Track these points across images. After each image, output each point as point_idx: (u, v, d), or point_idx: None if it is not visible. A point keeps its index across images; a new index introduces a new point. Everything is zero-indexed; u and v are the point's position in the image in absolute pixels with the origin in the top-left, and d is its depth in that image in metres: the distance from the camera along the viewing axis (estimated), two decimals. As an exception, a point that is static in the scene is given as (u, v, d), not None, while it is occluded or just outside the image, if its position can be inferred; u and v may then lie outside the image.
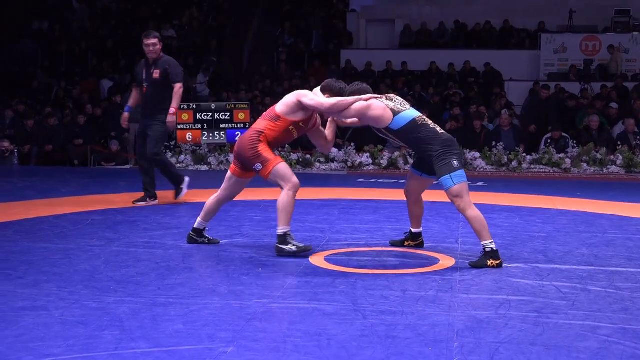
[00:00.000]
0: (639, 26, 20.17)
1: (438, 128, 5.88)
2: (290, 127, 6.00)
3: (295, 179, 5.93)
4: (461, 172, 5.73)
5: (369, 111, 5.78)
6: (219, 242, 6.41)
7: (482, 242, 5.64)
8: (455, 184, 5.66)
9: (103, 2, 22.98)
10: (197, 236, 6.37)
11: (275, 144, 6.09)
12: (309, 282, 5.12)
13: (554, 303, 4.67)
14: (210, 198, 6.34)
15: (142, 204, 8.57)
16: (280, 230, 5.89)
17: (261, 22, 22.83)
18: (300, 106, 5.90)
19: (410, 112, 5.83)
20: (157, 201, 8.66)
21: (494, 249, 5.63)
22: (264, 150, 5.92)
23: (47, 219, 7.59)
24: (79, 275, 5.23)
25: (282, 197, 5.88)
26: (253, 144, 5.92)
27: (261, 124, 6.02)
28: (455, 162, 5.70)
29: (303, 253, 5.87)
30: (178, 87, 8.53)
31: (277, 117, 5.96)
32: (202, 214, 6.36)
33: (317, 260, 5.81)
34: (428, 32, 21.29)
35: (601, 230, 7.25)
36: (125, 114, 8.82)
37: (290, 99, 5.97)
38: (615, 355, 3.75)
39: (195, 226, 6.38)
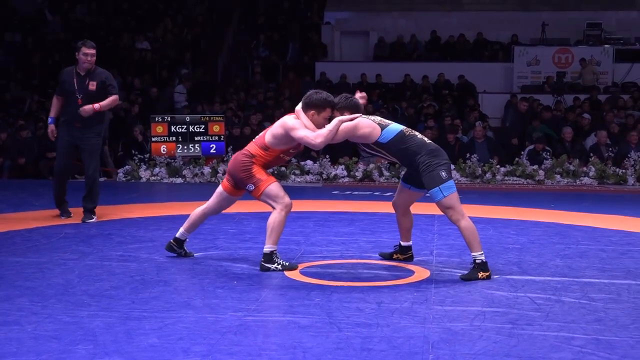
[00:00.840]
0: (610, 39, 20.39)
1: (425, 139, 5.89)
2: (281, 155, 5.98)
3: (287, 199, 5.88)
4: (450, 182, 5.69)
5: (357, 131, 5.74)
6: (193, 256, 6.38)
7: (473, 254, 5.63)
8: (445, 196, 5.63)
9: (76, 14, 22.89)
10: (177, 246, 6.34)
11: (267, 167, 6.03)
12: (284, 295, 5.11)
13: (528, 314, 4.69)
14: (197, 210, 6.31)
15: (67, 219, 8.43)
16: (267, 248, 5.84)
17: (235, 34, 22.85)
18: (288, 137, 5.82)
19: (396, 125, 5.84)
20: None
21: (484, 260, 5.63)
22: (257, 171, 5.88)
23: (20, 232, 7.53)
24: (52, 289, 5.19)
25: (274, 216, 5.83)
26: (245, 165, 5.89)
27: (253, 147, 5.96)
28: (443, 173, 5.67)
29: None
30: (115, 99, 8.40)
31: (267, 147, 5.90)
32: (185, 224, 6.32)
33: (292, 272, 5.80)
34: (402, 45, 21.40)
35: (575, 242, 7.29)
36: (52, 126, 8.50)
37: (278, 130, 5.88)
38: (589, 366, 3.77)
39: (177, 235, 6.34)
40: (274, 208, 5.86)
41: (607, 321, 4.57)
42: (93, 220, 8.28)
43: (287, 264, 5.89)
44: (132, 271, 5.79)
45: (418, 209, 9.41)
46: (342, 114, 5.84)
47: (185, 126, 13.75)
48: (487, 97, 18.91)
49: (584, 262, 6.32)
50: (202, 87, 19.19)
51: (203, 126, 13.78)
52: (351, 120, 5.78)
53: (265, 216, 8.69)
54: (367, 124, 5.76)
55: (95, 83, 8.30)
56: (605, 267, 6.14)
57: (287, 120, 5.91)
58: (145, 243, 7.00)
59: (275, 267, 5.82)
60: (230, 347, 3.97)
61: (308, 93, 6.04)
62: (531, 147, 14.05)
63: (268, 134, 5.94)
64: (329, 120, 5.85)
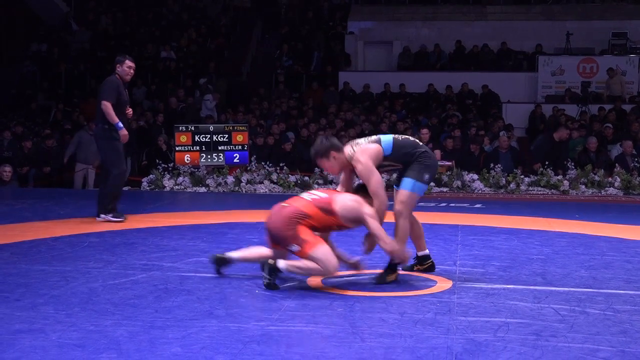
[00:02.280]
0: (636, 48, 20.26)
1: (417, 140, 6.03)
2: (336, 227, 5.77)
3: (332, 265, 5.51)
4: (425, 187, 5.85)
5: (373, 159, 5.76)
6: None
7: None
8: (411, 191, 5.76)
9: (102, 24, 23.08)
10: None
11: (315, 231, 5.67)
12: (306, 305, 5.11)
13: (553, 326, 4.66)
14: (262, 250, 5.99)
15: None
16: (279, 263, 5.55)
17: (259, 44, 22.95)
18: (360, 220, 5.70)
19: (387, 135, 5.94)
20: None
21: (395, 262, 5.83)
22: (304, 231, 5.54)
23: (45, 241, 7.57)
24: (76, 298, 5.21)
25: (314, 267, 5.50)
26: (293, 224, 5.55)
27: (309, 207, 5.61)
28: (426, 175, 5.82)
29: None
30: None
31: (332, 213, 5.63)
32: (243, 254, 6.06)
33: (315, 282, 5.79)
34: (426, 54, 21.38)
35: (599, 253, 7.24)
36: (125, 130, 8.86)
37: (355, 210, 5.66)
38: (614, 379, 3.74)
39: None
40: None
41: (633, 333, 4.53)
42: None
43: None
44: (156, 280, 5.81)
45: (441, 219, 9.40)
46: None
47: (209, 135, 13.79)
48: (511, 106, 18.84)
49: (609, 273, 6.27)
50: (231, 94, 19.35)
51: (227, 135, 13.82)
52: (360, 161, 5.73)
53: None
54: (371, 148, 5.79)
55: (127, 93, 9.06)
56: (631, 278, 6.09)
57: (366, 206, 5.72)
58: (168, 252, 7.02)
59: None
60: (253, 357, 3.97)
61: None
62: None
63: (341, 204, 5.65)
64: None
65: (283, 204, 5.73)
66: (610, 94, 19.07)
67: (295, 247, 5.53)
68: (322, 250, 5.51)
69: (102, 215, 8.78)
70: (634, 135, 15.10)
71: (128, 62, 8.92)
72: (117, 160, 8.88)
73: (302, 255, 5.51)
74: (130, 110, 9.05)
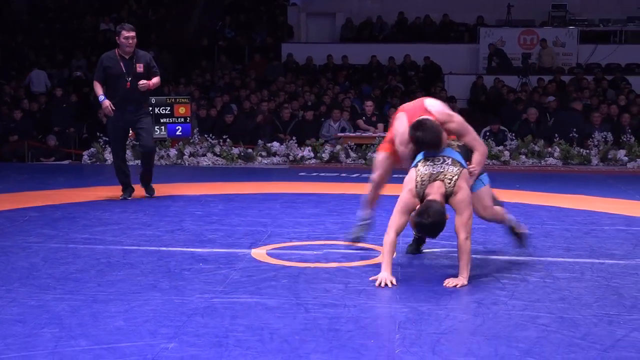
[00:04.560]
0: (575, 20, 20.53)
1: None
2: None
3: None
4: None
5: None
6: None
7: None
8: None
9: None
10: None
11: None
12: (251, 277, 5.10)
13: (494, 293, 4.73)
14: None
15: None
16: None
17: (201, 15, 22.69)
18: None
19: None
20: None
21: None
22: None
23: (-17, 216, 7.44)
24: (16, 273, 5.14)
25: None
26: None
27: None
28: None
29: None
30: (158, 80, 8.60)
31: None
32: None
33: (260, 254, 5.79)
34: (369, 26, 21.39)
35: (539, 222, 7.35)
36: (107, 101, 8.28)
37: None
38: (554, 344, 3.81)
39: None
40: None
41: (571, 300, 4.62)
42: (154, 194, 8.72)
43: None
44: (98, 254, 5.75)
45: (385, 189, 9.43)
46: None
47: (150, 108, 13.65)
48: (453, 78, 18.97)
49: (548, 241, 6.38)
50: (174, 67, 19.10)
51: (169, 108, 13.68)
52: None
53: (231, 198, 8.68)
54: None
55: (142, 65, 8.44)
56: (570, 246, 6.21)
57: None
58: (110, 226, 6.95)
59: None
60: (197, 329, 3.96)
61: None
62: (487, 128, 14.14)
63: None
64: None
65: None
66: (541, 66, 19.32)
67: None
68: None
69: None
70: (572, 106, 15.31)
71: (124, 33, 8.33)
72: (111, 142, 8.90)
73: None
74: (143, 82, 8.30)
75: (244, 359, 3.56)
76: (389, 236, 5.03)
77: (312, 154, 13.20)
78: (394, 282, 4.89)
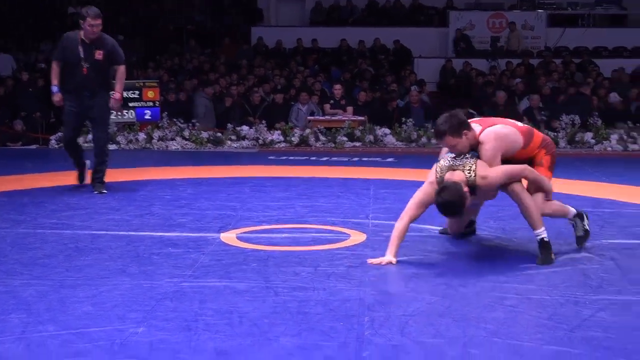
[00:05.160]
0: (543, 4, 20.63)
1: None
2: None
3: None
4: None
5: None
6: None
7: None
8: None
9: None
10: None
11: None
12: (220, 261, 5.10)
13: (462, 275, 4.76)
14: None
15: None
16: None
17: (171, -1, 22.51)
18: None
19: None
20: None
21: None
22: None
23: (-51, 201, 7.36)
24: (-17, 259, 5.10)
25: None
26: None
27: None
28: None
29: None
30: (123, 70, 8.08)
31: None
32: None
33: (229, 238, 5.79)
34: (338, 9, 21.34)
35: (508, 204, 7.36)
36: (59, 94, 7.96)
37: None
38: (521, 325, 3.86)
39: None
40: None
41: (538, 281, 4.67)
42: (105, 192, 7.95)
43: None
44: (66, 239, 5.71)
45: (354, 173, 9.46)
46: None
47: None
48: (423, 61, 19.00)
49: (517, 223, 6.39)
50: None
51: (137, 92, 13.59)
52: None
53: (200, 182, 8.65)
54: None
55: (102, 52, 7.94)
56: (537, 228, 6.25)
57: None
58: (78, 210, 6.90)
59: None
60: (166, 314, 3.96)
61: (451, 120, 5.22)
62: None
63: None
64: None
65: None
66: (509, 49, 19.41)
67: None
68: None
69: None
70: (541, 89, 15.41)
71: (89, 21, 7.79)
72: (64, 126, 8.39)
73: None
74: (85, 70, 7.85)
75: (213, 343, 3.56)
76: (401, 222, 5.15)
77: (281, 138, 13.18)
78: (394, 262, 5.00)
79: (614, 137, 12.78)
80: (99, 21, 7.88)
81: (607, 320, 3.92)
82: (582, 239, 5.58)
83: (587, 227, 5.60)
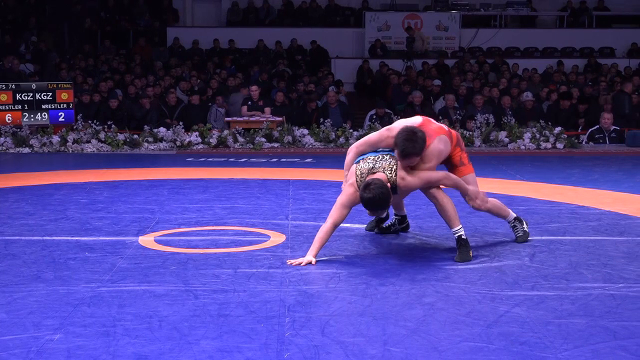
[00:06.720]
0: (457, 5, 20.98)
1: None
2: None
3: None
4: None
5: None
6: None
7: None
8: None
9: None
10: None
11: None
12: (138, 264, 5.04)
13: (382, 274, 4.81)
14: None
15: None
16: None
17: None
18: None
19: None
20: None
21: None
22: None
23: None
24: None
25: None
26: None
27: None
28: None
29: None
30: None
31: None
32: None
33: (147, 241, 5.72)
34: (255, 10, 21.31)
35: (425, 202, 7.46)
36: None
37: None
38: (440, 322, 3.91)
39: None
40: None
41: (456, 278, 4.74)
42: None
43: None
44: (-22, 245, 5.57)
45: (272, 174, 9.46)
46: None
47: (31, 94, 13.27)
48: (340, 62, 19.13)
49: (434, 222, 6.50)
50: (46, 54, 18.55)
51: (50, 94, 13.32)
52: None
53: (117, 185, 8.53)
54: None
55: None
56: (454, 226, 6.34)
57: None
58: (-9, 216, 6.73)
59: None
60: (84, 319, 3.89)
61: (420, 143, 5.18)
62: (373, 111, 14.33)
63: None
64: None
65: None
66: (414, 50, 19.68)
67: None
68: None
69: None
70: (456, 89, 15.67)
71: None
72: None
73: None
74: None
75: (132, 348, 3.52)
76: (326, 225, 5.21)
77: (199, 139, 13.08)
78: (314, 262, 5.05)
79: (527, 136, 13.06)
80: None
81: (523, 316, 4.01)
82: (521, 238, 5.79)
83: (526, 229, 5.83)
